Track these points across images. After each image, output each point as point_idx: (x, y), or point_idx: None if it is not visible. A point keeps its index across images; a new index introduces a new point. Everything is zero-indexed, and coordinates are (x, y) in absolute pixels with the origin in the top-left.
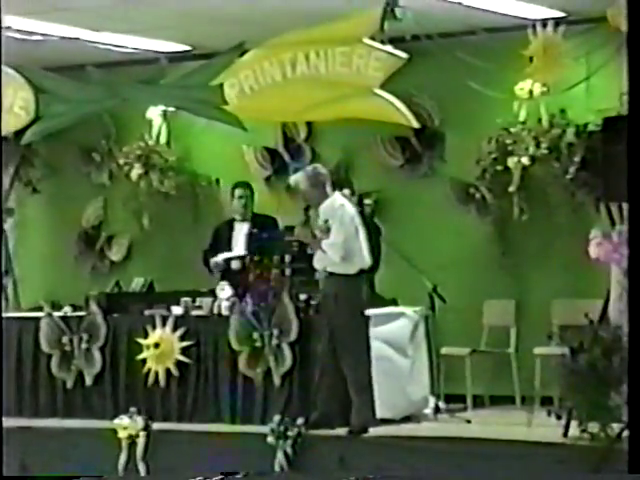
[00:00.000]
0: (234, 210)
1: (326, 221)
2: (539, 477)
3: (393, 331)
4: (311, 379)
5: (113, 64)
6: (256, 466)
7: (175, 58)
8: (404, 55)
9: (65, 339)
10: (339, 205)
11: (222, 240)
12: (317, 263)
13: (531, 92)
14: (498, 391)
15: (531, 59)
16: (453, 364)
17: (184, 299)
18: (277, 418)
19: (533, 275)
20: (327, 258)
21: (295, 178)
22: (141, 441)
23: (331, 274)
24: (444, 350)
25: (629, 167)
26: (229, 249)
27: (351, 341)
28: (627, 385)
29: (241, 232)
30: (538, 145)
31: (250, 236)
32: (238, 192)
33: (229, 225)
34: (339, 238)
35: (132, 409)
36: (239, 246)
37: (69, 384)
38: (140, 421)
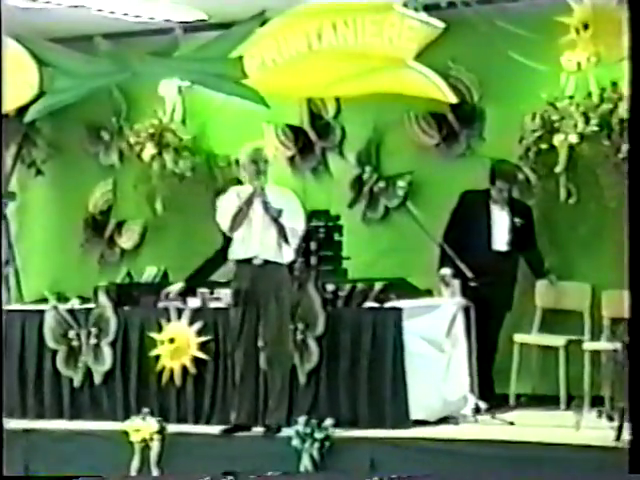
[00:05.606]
0: None
1: None
2: None
3: (428, 324)
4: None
5: (123, 35)
6: (280, 470)
7: (190, 28)
8: (440, 24)
9: (72, 334)
10: None
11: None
12: None
13: (579, 63)
14: (543, 390)
15: (586, 26)
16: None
17: (201, 290)
18: (302, 419)
19: (581, 264)
20: None
21: None
22: (155, 445)
23: None
24: None
25: (629, 169)
26: None
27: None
28: (628, 385)
29: None
30: (587, 121)
31: None
32: None
33: None
34: None
35: (145, 410)
36: None
37: (76, 382)
38: (154, 423)
